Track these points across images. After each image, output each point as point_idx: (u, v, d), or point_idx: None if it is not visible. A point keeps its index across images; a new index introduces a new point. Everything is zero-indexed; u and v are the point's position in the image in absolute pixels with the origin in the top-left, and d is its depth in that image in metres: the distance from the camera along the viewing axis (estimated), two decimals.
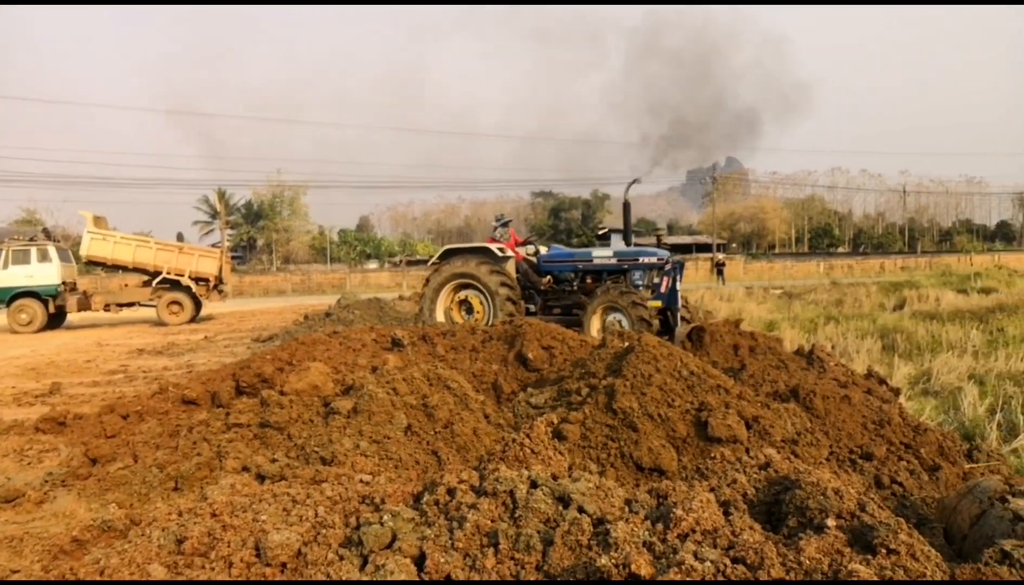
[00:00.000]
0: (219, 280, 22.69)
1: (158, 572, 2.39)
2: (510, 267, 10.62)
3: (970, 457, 5.14)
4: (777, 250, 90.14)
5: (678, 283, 10.07)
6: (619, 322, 9.41)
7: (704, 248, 71.15)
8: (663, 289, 9.99)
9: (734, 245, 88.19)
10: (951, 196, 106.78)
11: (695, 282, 41.12)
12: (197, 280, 22.11)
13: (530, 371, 6.41)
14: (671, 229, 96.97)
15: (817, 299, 20.69)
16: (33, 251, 20.93)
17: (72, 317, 22.42)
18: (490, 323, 9.93)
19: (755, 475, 2.90)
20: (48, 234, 23.87)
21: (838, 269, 53.61)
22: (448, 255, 11.06)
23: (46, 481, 4.38)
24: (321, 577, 2.28)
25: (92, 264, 22.07)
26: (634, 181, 12.18)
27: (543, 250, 11.59)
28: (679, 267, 10.28)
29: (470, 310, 10.68)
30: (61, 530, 3.45)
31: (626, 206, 11.65)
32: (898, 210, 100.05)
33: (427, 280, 11.02)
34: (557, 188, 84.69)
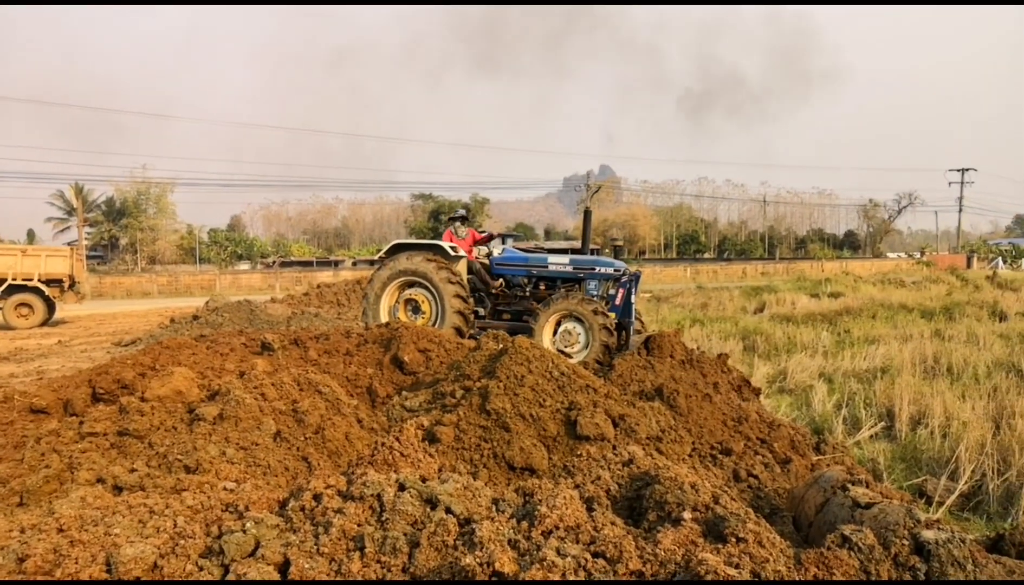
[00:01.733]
0: (72, 280, 21.25)
1: None
2: (461, 267, 10.18)
3: (818, 450, 5.53)
4: (647, 255, 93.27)
5: (633, 296, 9.83)
6: (576, 332, 9.20)
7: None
8: (618, 301, 9.75)
9: (607, 250, 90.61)
10: (805, 207, 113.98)
11: None
12: (48, 282, 20.63)
13: (406, 374, 6.37)
14: (548, 234, 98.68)
15: (684, 302, 21.60)
16: None
17: None
18: (438, 325, 9.59)
19: (619, 471, 3.01)
20: None
21: (704, 274, 56.10)
22: (396, 250, 10.49)
23: None
24: None
25: None
26: (598, 188, 12.07)
27: (496, 252, 11.08)
28: (635, 280, 10.00)
29: (417, 309, 10.12)
30: None
31: (587, 213, 11.41)
32: (759, 219, 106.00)
33: (372, 276, 10.42)
34: (437, 191, 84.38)
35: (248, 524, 2.41)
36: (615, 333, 9.05)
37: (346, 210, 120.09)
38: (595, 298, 9.71)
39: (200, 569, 2.27)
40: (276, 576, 2.18)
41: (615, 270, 10.02)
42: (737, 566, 2.09)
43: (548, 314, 9.25)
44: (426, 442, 3.90)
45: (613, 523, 2.30)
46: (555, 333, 9.20)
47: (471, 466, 4.08)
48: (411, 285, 10.18)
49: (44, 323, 20.41)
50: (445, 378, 5.59)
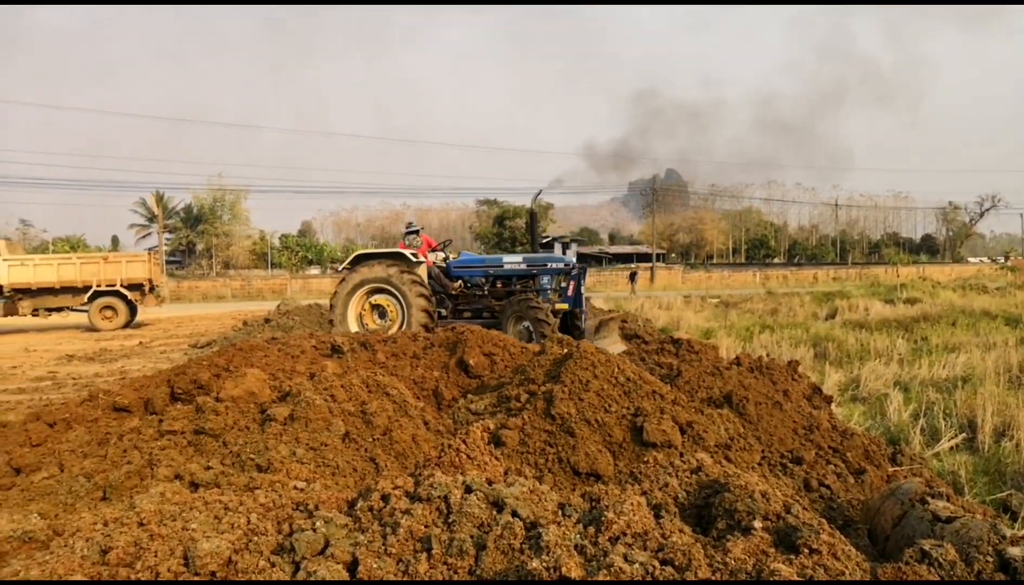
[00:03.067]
0: (152, 284, 22.10)
1: None
2: (422, 271, 10.98)
3: (894, 461, 5.33)
4: (715, 260, 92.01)
5: (582, 287, 10.98)
6: (527, 328, 10.24)
7: (644, 258, 72.25)
8: (570, 292, 10.88)
9: (673, 255, 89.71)
10: (879, 210, 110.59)
11: (624, 290, 43.26)
12: (130, 286, 21.50)
13: (471, 378, 6.41)
14: (612, 239, 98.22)
15: (753, 308, 21.17)
16: None
17: None
18: (404, 327, 10.30)
19: (687, 479, 2.97)
20: None
21: (774, 279, 55.02)
22: (359, 260, 11.31)
23: None
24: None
25: (16, 292, 20.98)
26: (539, 192, 13.44)
27: (452, 256, 12.21)
28: (583, 272, 11.27)
29: (383, 315, 10.91)
30: None
31: (532, 215, 13.17)
32: (830, 223, 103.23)
33: (337, 286, 11.19)
34: (502, 196, 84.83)
35: (318, 523, 2.46)
36: (554, 328, 10.12)
37: (413, 216, 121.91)
38: (548, 291, 11.03)
39: (272, 565, 2.32)
40: (345, 575, 2.21)
41: (564, 264, 11.30)
42: (811, 578, 2.03)
43: (507, 316, 10.44)
44: (491, 445, 3.91)
45: (681, 530, 2.27)
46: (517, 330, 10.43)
47: (536, 470, 4.07)
48: (376, 292, 10.92)
49: (127, 325, 21.28)
50: (510, 382, 5.60)
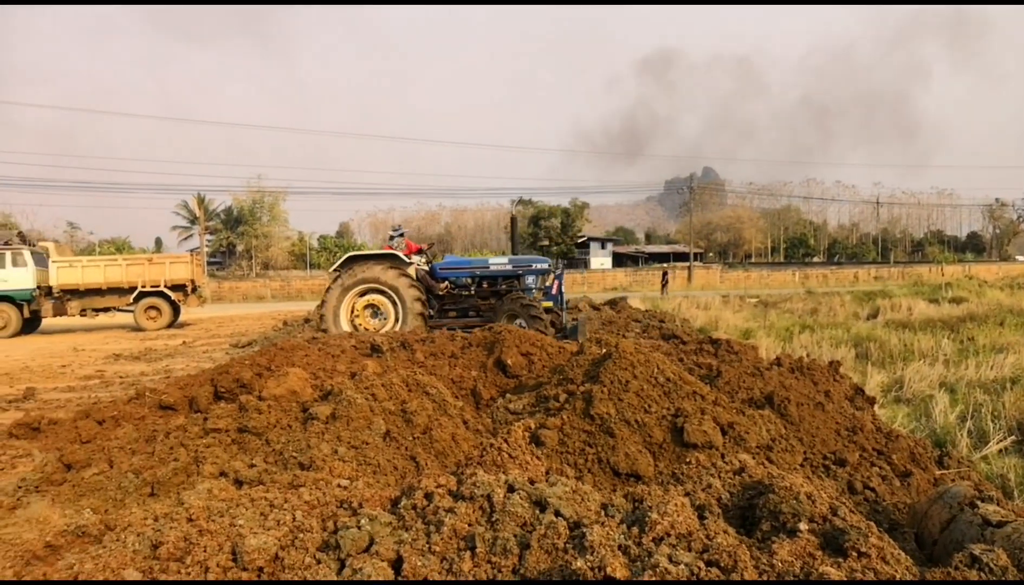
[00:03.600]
0: (194, 285, 22.51)
1: (133, 577, 2.37)
2: (413, 272, 11.50)
3: (941, 463, 5.21)
4: (753, 259, 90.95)
5: (562, 286, 11.76)
6: (521, 325, 10.49)
7: (681, 257, 71.65)
8: (555, 291, 11.63)
9: (711, 254, 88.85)
10: (923, 208, 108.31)
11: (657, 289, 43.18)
12: (173, 287, 21.93)
13: (509, 377, 6.43)
14: (649, 238, 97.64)
15: (792, 308, 20.87)
16: (8, 255, 20.64)
17: (47, 322, 22.17)
18: (400, 326, 10.71)
19: (730, 480, 2.94)
20: (24, 238, 23.55)
21: (813, 278, 54.21)
22: (350, 262, 11.68)
23: (19, 487, 4.31)
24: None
25: (65, 293, 21.57)
26: (519, 199, 13.92)
27: (435, 260, 12.97)
28: (563, 272, 12.13)
29: (376, 314, 11.34)
30: (34, 536, 3.41)
31: (513, 220, 14.32)
32: (871, 221, 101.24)
33: (329, 286, 11.48)
34: (537, 197, 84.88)
35: (363, 521, 2.49)
36: (543, 312, 10.79)
37: (449, 217, 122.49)
38: (533, 290, 11.72)
39: (318, 562, 2.35)
40: (390, 572, 2.24)
41: (548, 265, 12.17)
42: (860, 582, 2.00)
43: (501, 316, 10.87)
44: (532, 445, 3.92)
45: (726, 532, 2.25)
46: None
47: (576, 470, 4.07)
48: (368, 292, 11.30)
49: (170, 325, 21.71)
50: (548, 382, 5.60)
